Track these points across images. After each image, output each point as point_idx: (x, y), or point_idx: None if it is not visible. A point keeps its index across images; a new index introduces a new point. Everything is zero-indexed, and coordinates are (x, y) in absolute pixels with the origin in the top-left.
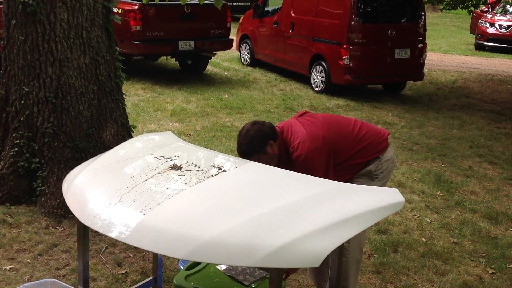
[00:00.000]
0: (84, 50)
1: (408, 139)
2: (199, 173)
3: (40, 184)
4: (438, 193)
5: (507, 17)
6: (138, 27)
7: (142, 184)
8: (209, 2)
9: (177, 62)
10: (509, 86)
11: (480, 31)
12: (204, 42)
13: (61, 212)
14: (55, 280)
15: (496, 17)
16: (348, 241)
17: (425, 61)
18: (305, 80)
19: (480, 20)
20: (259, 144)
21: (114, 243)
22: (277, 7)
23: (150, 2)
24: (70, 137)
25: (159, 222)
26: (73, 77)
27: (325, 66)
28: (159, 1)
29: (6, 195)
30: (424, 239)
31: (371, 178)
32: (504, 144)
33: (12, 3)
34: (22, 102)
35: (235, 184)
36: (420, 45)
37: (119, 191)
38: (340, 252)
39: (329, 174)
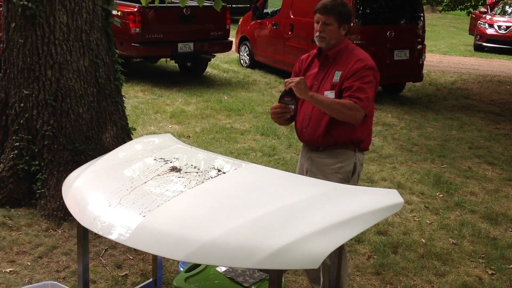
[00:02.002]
0: (84, 52)
1: (408, 140)
2: (199, 175)
3: (40, 187)
4: (437, 194)
5: (506, 18)
6: (138, 30)
7: (142, 186)
8: (209, 4)
9: (176, 64)
10: (508, 87)
11: (479, 32)
12: (204, 44)
13: (61, 215)
14: (55, 282)
15: (495, 18)
16: (345, 256)
17: (424, 62)
18: None
19: (479, 21)
20: (345, 14)
21: (114, 245)
22: (276, 9)
23: (149, 5)
24: (69, 140)
25: (159, 224)
26: (73, 79)
27: None
28: (159, 3)
29: (6, 197)
30: (423, 240)
31: (348, 179)
32: (503, 145)
33: (12, 6)
34: (22, 105)
35: (235, 186)
36: (419, 46)
37: (119, 193)
38: (340, 253)
39: (372, 102)
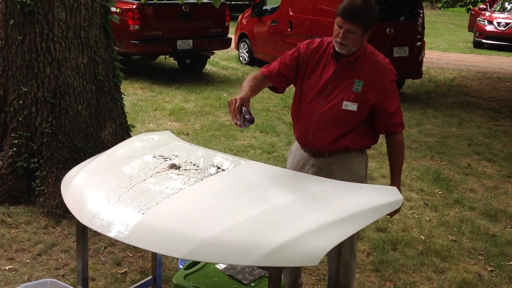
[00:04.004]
0: (82, 49)
1: (407, 137)
2: (198, 172)
3: (39, 184)
4: (437, 191)
5: (505, 15)
6: (136, 27)
7: (141, 184)
8: (207, 1)
9: (175, 61)
10: (507, 83)
11: (478, 28)
12: (203, 41)
13: (60, 212)
14: (54, 280)
15: (494, 15)
16: (354, 255)
17: (424, 59)
18: None
19: (478, 18)
20: (372, 19)
21: (113, 242)
22: (275, 5)
23: (148, 1)
24: (68, 137)
25: (158, 222)
26: (72, 76)
27: None
28: (157, 0)
29: (5, 195)
30: (423, 237)
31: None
32: (502, 142)
33: (10, 3)
34: (21, 102)
35: (234, 183)
36: (419, 43)
37: (118, 190)
38: (339, 250)
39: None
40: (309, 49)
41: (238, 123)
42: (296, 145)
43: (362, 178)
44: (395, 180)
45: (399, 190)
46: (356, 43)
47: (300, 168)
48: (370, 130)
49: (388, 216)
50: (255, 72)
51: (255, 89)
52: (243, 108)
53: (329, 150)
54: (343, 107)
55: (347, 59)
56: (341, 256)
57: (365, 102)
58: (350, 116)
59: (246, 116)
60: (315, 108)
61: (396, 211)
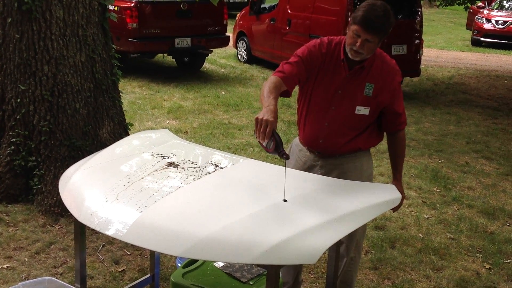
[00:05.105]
0: (80, 48)
1: (405, 135)
2: (196, 171)
3: (37, 183)
4: (435, 189)
5: (503, 13)
6: (135, 25)
7: (139, 182)
8: None
9: (173, 60)
10: (505, 81)
11: (476, 27)
12: (201, 39)
13: (58, 211)
14: (52, 278)
15: (492, 13)
16: (359, 251)
17: (422, 57)
18: None
19: (476, 16)
20: (389, 29)
21: (111, 241)
22: (273, 4)
23: None
24: (66, 135)
25: (156, 220)
26: (69, 75)
27: None
28: None
29: (3, 193)
30: (421, 235)
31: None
32: (500, 140)
33: (8, 1)
34: (18, 100)
35: (232, 182)
36: (417, 41)
37: (116, 189)
38: (337, 248)
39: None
40: (320, 53)
41: (264, 144)
42: (297, 145)
43: (371, 175)
44: (398, 176)
45: (401, 185)
46: (371, 51)
47: (307, 169)
48: (377, 129)
49: (388, 213)
50: (271, 77)
51: (278, 99)
52: (275, 134)
53: (341, 152)
54: (356, 112)
55: (361, 65)
56: (339, 254)
57: (377, 105)
58: (362, 120)
59: (280, 150)
60: (325, 113)
61: (399, 206)
